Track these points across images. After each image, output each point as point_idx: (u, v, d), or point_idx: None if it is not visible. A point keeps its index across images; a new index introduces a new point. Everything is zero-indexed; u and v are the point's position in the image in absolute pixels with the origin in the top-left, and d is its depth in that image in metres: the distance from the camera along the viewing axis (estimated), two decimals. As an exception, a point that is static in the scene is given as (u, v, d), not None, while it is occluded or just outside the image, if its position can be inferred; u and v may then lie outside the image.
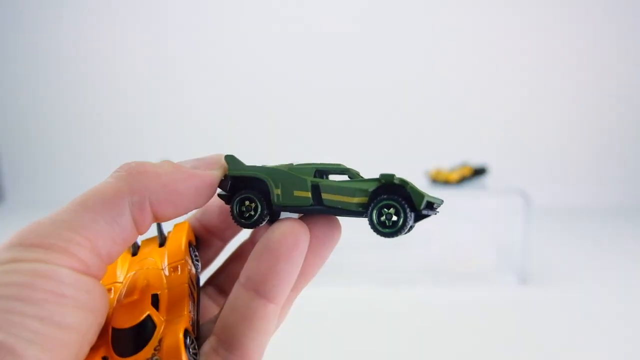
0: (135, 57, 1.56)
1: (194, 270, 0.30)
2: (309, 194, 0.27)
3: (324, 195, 0.27)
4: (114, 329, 0.25)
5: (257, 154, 1.22)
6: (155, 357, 0.23)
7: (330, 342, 0.70)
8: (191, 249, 0.32)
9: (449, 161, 1.21)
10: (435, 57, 1.54)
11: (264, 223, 0.29)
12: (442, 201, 0.28)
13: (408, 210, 0.26)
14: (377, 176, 0.27)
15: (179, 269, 0.29)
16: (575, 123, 1.55)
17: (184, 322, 0.25)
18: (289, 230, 0.26)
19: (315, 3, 1.53)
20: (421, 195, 0.26)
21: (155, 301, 0.26)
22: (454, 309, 0.80)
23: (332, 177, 0.29)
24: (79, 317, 0.21)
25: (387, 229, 0.26)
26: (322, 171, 0.29)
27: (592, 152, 1.57)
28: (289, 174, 0.28)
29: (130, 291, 0.27)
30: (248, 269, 0.26)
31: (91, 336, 0.22)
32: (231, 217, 0.29)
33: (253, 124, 1.58)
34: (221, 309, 0.27)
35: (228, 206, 0.29)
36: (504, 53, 1.52)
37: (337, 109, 1.56)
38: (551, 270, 0.97)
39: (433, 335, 0.72)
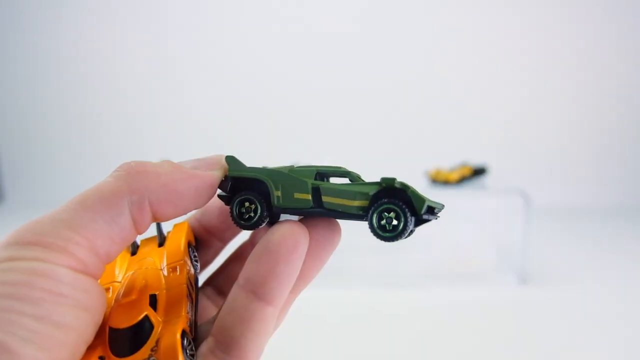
0: (135, 57, 1.56)
1: (192, 270, 0.30)
2: (310, 197, 0.27)
3: (325, 198, 0.27)
4: (111, 329, 0.25)
5: (257, 154, 1.23)
6: (152, 358, 0.23)
7: (330, 345, 0.70)
8: (190, 249, 0.32)
9: (449, 161, 1.20)
10: (435, 57, 1.54)
11: (263, 225, 0.29)
12: (443, 206, 0.28)
13: (409, 214, 0.26)
14: (378, 180, 0.27)
15: (178, 269, 0.29)
16: (575, 123, 1.55)
17: (181, 323, 0.25)
18: (289, 233, 0.25)
19: (315, 3, 1.53)
20: (422, 199, 0.26)
21: (153, 301, 0.26)
22: (454, 309, 0.80)
23: (333, 180, 0.29)
24: (76, 316, 0.21)
25: (388, 233, 0.26)
26: (323, 174, 0.29)
27: (592, 152, 1.57)
28: (290, 176, 0.28)
29: (128, 291, 0.27)
30: (247, 270, 0.26)
31: (88, 336, 0.22)
32: (231, 218, 0.29)
33: (253, 124, 1.57)
34: (219, 310, 0.27)
35: (228, 207, 0.29)
36: (504, 53, 1.52)
37: (337, 109, 1.56)
38: (551, 270, 0.97)
39: (433, 335, 0.72)
